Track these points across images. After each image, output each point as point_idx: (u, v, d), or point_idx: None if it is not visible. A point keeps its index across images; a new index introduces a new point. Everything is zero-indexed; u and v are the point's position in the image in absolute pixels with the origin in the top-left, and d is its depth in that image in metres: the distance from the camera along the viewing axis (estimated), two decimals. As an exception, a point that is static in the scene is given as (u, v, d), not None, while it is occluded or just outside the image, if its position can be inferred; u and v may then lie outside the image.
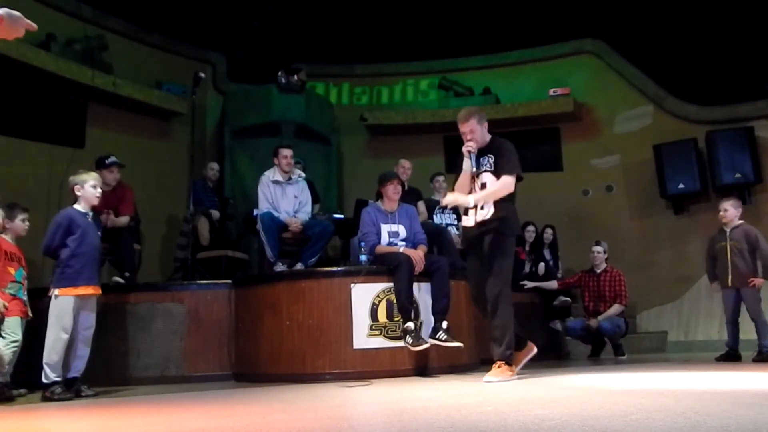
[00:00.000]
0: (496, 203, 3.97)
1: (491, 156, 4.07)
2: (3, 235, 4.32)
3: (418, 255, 4.71)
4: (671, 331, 7.67)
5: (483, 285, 3.99)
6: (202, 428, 2.41)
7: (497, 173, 4.02)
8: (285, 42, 8.56)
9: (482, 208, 4.00)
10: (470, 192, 4.12)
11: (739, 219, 5.47)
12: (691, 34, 7.58)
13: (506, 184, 3.97)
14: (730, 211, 5.43)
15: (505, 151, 4.06)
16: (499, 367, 3.80)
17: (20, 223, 4.39)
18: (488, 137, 4.16)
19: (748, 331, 5.32)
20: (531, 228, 7.30)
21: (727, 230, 5.44)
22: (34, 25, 2.05)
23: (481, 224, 4.01)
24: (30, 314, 4.28)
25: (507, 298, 3.93)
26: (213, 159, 7.62)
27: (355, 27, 8.60)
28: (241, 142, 7.96)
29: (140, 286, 5.43)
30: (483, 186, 4.06)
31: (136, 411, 3.20)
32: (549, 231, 7.51)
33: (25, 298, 4.28)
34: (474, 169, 4.06)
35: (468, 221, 4.11)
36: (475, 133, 4.07)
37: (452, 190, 4.18)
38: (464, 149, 4.09)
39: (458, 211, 6.78)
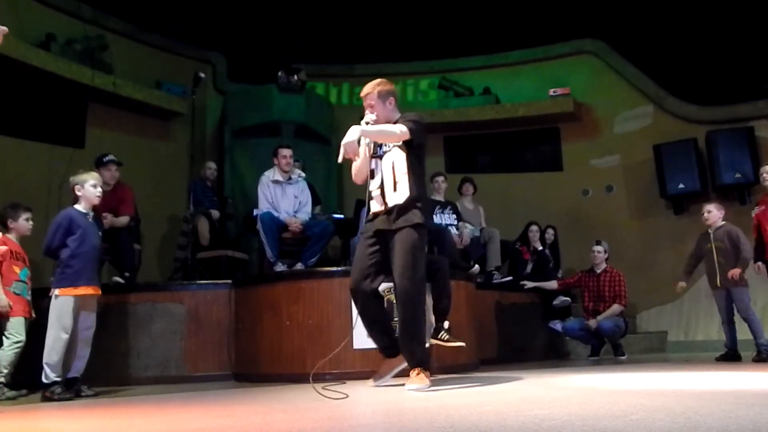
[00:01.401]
0: (412, 187, 3.54)
1: None
2: (8, 235, 4.34)
3: (418, 255, 4.67)
4: (671, 331, 7.67)
5: (373, 279, 3.60)
6: (202, 428, 2.41)
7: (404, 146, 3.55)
8: (285, 42, 8.56)
9: (395, 190, 3.57)
10: (372, 177, 3.65)
11: (722, 220, 5.51)
12: (691, 34, 7.58)
13: (401, 129, 3.49)
14: (714, 212, 5.49)
15: (410, 119, 3.59)
16: (417, 374, 3.59)
17: (24, 222, 4.40)
18: (395, 116, 3.69)
19: (747, 331, 5.32)
20: (534, 227, 7.28)
21: (711, 232, 5.50)
22: (5, 28, 2.05)
23: (393, 211, 3.55)
24: (33, 314, 4.29)
25: (422, 298, 3.61)
26: (213, 159, 7.61)
27: (355, 27, 8.59)
28: (241, 142, 7.95)
29: (140, 286, 5.43)
30: (392, 166, 3.60)
31: (136, 411, 3.20)
32: (550, 231, 7.50)
33: (29, 298, 4.30)
34: (368, 144, 3.62)
35: (375, 206, 3.65)
36: (374, 108, 3.66)
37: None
38: (363, 120, 3.61)
39: (458, 211, 6.79)
